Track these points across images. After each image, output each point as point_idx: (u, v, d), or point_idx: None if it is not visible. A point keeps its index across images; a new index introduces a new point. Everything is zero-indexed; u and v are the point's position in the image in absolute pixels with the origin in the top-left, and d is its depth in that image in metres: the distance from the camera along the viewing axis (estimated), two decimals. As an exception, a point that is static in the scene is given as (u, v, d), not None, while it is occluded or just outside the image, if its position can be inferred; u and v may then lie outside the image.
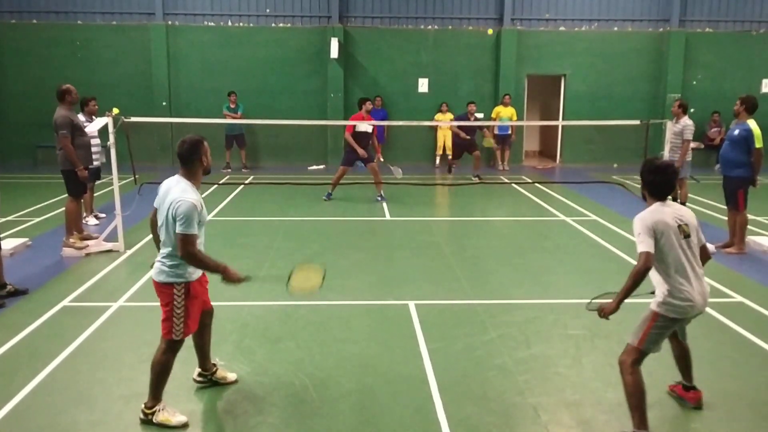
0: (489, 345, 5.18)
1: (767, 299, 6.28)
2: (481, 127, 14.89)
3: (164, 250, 3.87)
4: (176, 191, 3.76)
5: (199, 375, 4.43)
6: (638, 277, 3.59)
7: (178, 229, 3.69)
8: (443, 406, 4.17)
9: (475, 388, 4.42)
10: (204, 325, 4.25)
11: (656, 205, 3.75)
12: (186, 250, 3.71)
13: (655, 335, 3.73)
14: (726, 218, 8.43)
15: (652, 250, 3.58)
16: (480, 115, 16.72)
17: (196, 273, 3.97)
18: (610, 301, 3.72)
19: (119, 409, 4.14)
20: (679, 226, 3.69)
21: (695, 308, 3.73)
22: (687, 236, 3.72)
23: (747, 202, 7.97)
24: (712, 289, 6.52)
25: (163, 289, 3.89)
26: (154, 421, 3.89)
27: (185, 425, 3.91)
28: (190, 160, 3.85)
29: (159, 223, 3.91)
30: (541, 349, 5.11)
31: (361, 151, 10.98)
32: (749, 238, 8.33)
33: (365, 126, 11.03)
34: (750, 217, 8.36)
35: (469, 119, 14.47)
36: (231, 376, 4.49)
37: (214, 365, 4.45)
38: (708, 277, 6.86)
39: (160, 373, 3.91)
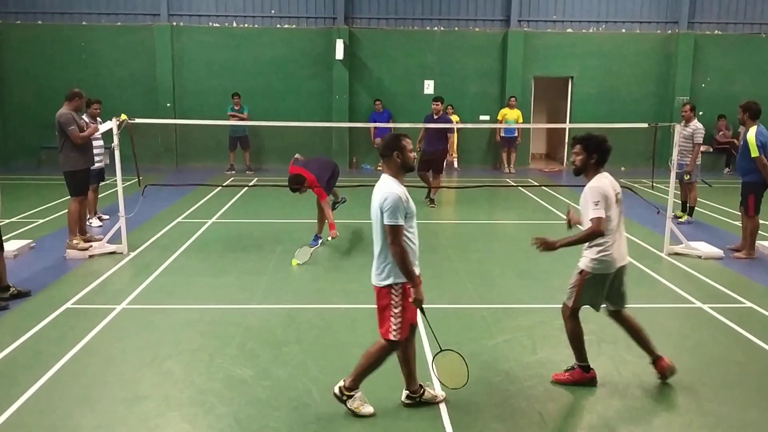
0: (495, 350, 5.13)
1: (777, 304, 6.21)
2: (450, 130, 12.28)
3: (379, 252, 3.97)
4: (383, 187, 3.89)
5: (408, 397, 4.21)
6: (589, 238, 4.18)
7: (386, 220, 3.79)
8: (448, 411, 4.13)
9: (480, 394, 4.37)
10: (407, 340, 4.09)
11: (600, 176, 4.25)
12: (394, 241, 3.78)
13: (587, 292, 4.34)
14: (737, 222, 8.35)
15: (604, 216, 4.12)
16: (485, 117, 16.63)
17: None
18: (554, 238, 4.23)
19: (123, 412, 4.10)
20: (616, 194, 4.27)
21: (617, 263, 4.30)
22: (618, 202, 4.29)
23: (759, 208, 7.89)
24: (720, 294, 6.57)
25: (381, 291, 3.97)
26: (347, 405, 4.03)
27: (372, 415, 4.04)
28: (386, 155, 3.98)
29: (374, 228, 3.98)
30: (547, 354, 5.06)
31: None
32: (759, 243, 8.24)
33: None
34: (763, 222, 8.28)
35: (433, 120, 11.14)
36: (440, 395, 4.27)
37: (421, 386, 4.23)
38: (716, 282, 6.89)
39: (371, 365, 4.04)
